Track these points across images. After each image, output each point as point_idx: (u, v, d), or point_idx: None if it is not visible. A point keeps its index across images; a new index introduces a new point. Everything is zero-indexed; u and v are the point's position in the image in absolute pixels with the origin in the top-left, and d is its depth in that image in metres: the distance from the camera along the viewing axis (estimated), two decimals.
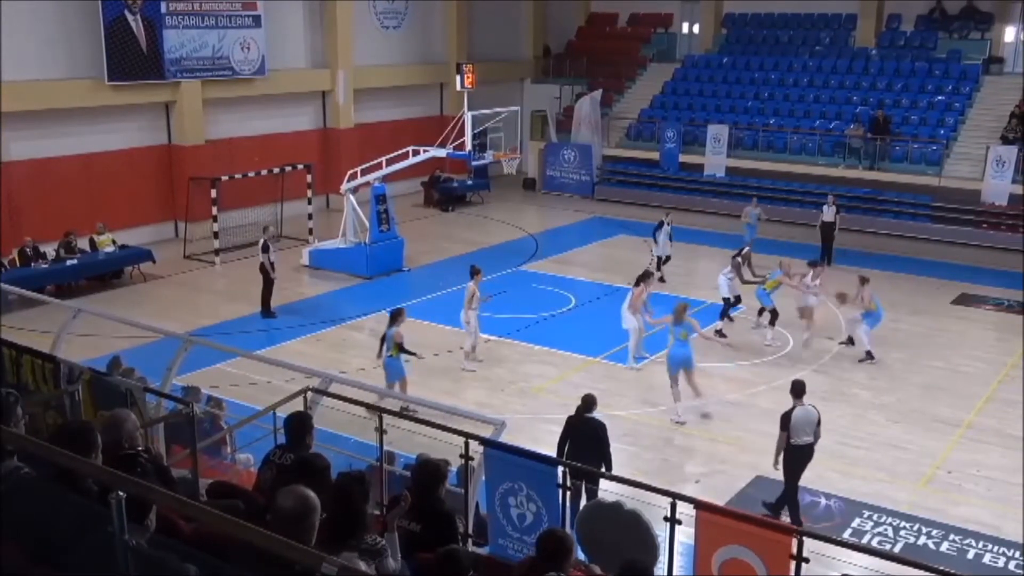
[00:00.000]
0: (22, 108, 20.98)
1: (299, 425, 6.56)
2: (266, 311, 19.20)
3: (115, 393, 8.12)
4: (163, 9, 23.83)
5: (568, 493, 7.21)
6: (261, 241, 19.28)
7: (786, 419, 11.25)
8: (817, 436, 11.34)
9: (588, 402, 11.21)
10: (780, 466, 11.38)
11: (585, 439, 10.85)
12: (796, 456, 11.27)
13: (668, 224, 21.73)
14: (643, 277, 16.88)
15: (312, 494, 4.11)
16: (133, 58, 23.33)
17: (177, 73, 24.42)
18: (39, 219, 21.25)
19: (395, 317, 14.30)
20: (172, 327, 14.64)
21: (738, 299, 18.47)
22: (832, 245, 23.13)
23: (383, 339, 14.25)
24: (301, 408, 7.71)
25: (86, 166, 22.87)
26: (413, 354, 14.48)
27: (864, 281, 17.05)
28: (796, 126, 29.74)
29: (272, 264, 19.03)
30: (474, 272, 16.47)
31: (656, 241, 21.88)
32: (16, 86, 20.78)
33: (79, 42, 22.42)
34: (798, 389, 11.46)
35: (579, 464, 8.95)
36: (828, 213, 23.14)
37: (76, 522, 3.90)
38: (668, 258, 21.94)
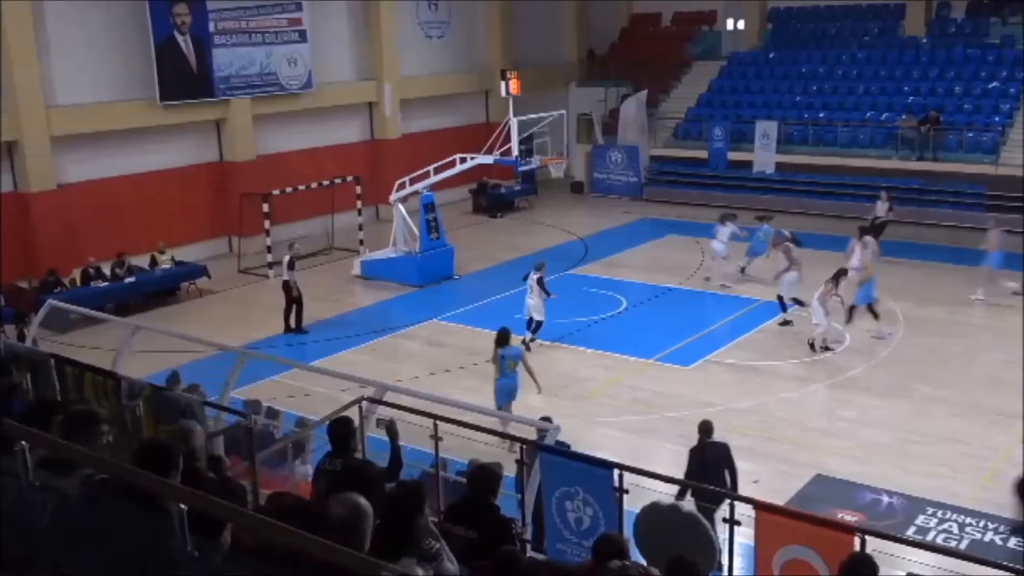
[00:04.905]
0: (78, 131, 21.48)
1: (341, 431, 6.63)
2: (296, 329, 18.91)
3: (175, 408, 8.26)
4: (211, 28, 24.23)
5: (624, 496, 7.15)
6: (287, 258, 18.94)
7: None
8: None
9: (708, 428, 10.65)
10: None
11: (714, 463, 10.37)
12: None
13: (726, 224, 21.37)
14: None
15: (363, 501, 4.13)
16: (184, 78, 23.76)
17: (227, 91, 24.81)
18: (97, 239, 21.63)
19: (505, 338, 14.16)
20: (228, 341, 14.82)
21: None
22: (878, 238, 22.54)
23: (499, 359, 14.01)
24: (358, 418, 7.78)
25: (141, 185, 23.31)
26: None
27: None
28: (846, 119, 29.31)
29: (296, 283, 18.81)
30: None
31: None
32: (71, 110, 21.28)
33: (131, 64, 22.89)
34: None
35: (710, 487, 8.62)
36: (881, 208, 22.74)
37: (146, 535, 3.95)
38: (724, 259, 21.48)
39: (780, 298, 18.54)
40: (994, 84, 28.39)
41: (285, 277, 18.93)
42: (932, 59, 30.07)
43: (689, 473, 10.24)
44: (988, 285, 19.69)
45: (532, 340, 17.26)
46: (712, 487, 8.78)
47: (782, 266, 18.72)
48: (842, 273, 17.39)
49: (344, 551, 3.52)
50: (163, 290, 21.67)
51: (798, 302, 18.34)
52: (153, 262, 21.71)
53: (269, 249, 23.26)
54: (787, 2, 34.36)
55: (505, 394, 13.94)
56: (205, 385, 10.63)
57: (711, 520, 7.18)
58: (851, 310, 17.67)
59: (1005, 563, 6.40)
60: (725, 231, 21.25)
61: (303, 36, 26.42)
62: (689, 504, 7.21)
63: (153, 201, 23.41)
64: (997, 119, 27.30)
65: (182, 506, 3.72)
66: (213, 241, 25.17)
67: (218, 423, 8.67)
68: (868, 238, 19.54)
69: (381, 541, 4.46)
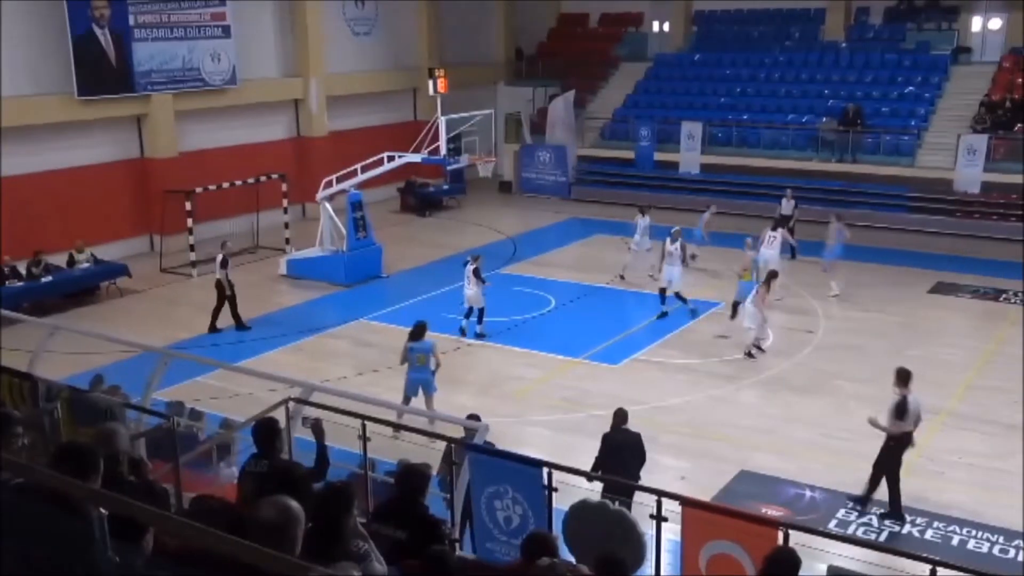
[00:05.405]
0: None
1: (265, 432, 6.54)
2: (237, 326, 18.81)
3: (95, 410, 8.06)
4: (131, 22, 23.68)
5: (553, 494, 7.18)
6: (220, 256, 18.63)
7: None
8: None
9: (623, 416, 10.86)
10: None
11: (626, 449, 10.54)
12: None
13: (645, 216, 21.92)
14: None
15: (294, 504, 4.07)
16: (103, 72, 23.17)
17: (148, 86, 24.28)
18: (13, 238, 20.96)
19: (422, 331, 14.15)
20: (151, 341, 14.53)
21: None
22: (791, 237, 23.02)
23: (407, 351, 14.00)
24: (284, 418, 7.68)
25: (58, 182, 22.64)
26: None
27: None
28: (769, 121, 29.89)
29: (230, 281, 18.53)
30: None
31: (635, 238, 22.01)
32: None
33: (47, 58, 22.25)
34: None
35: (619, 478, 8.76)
36: (787, 207, 23.38)
37: (65, 540, 3.85)
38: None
39: (662, 291, 18.97)
40: (910, 88, 29.21)
41: (218, 276, 18.61)
42: (851, 63, 30.83)
43: (600, 458, 10.47)
44: (839, 279, 20.45)
45: (481, 335, 17.82)
46: (623, 476, 8.93)
47: (674, 261, 18.94)
48: (773, 275, 17.71)
49: (272, 554, 3.46)
50: (82, 289, 21.08)
51: (680, 298, 18.96)
52: (71, 261, 21.14)
53: (192, 247, 22.84)
54: (712, 5, 34.90)
55: (413, 387, 13.93)
56: (127, 387, 10.41)
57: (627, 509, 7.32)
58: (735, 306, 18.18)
59: (920, 554, 6.58)
60: (644, 222, 21.72)
61: (226, 31, 25.98)
62: (599, 495, 7.26)
63: (71, 198, 22.78)
64: (914, 123, 28.11)
65: (103, 511, 3.63)
66: (134, 239, 24.60)
67: (140, 425, 8.49)
68: (776, 232, 20.29)
69: (309, 543, 4.40)
